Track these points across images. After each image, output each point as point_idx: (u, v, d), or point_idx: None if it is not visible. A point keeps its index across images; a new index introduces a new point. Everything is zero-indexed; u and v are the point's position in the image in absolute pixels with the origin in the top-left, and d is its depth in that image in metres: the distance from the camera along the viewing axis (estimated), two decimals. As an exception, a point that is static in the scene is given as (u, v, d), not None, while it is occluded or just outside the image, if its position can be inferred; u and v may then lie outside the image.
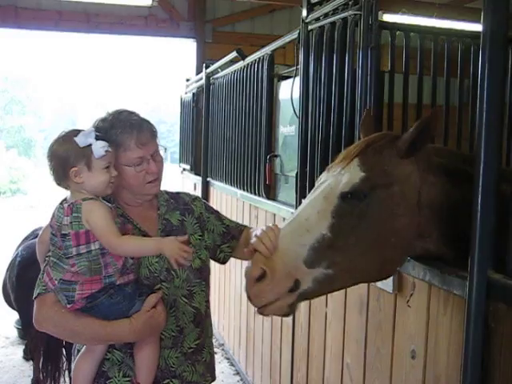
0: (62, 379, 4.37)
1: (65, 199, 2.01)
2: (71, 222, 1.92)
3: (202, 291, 2.25)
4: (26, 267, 4.46)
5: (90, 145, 1.92)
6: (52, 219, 2.00)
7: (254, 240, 1.82)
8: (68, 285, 1.94)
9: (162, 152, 2.19)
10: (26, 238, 5.23)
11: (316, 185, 1.96)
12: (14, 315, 5.49)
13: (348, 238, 1.77)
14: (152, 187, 2.13)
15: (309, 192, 3.14)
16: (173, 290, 2.14)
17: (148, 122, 2.17)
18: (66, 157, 1.93)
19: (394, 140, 1.87)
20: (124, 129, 2.06)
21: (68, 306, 1.95)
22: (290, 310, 1.83)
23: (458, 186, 1.82)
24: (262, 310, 1.83)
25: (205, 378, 2.26)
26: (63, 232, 1.93)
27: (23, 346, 5.64)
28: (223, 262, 2.43)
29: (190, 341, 2.19)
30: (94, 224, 1.91)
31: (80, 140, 1.92)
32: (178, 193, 2.40)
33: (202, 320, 2.24)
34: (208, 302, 2.31)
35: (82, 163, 1.93)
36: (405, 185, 1.80)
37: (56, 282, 1.95)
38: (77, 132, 1.96)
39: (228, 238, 2.36)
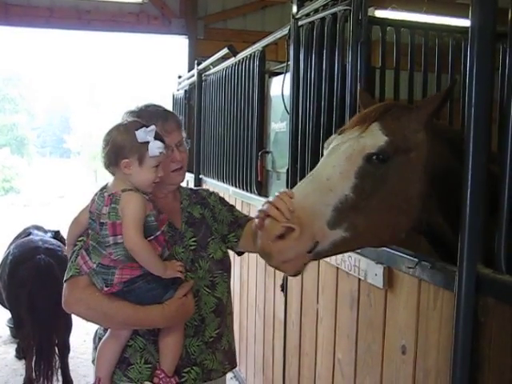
0: (54, 378, 4.36)
1: (105, 186, 2.05)
2: (109, 213, 1.95)
3: (225, 282, 2.30)
4: (17, 266, 4.45)
5: (148, 142, 1.96)
6: (92, 205, 2.04)
7: (265, 206, 1.73)
8: (107, 269, 1.98)
9: (185, 144, 2.27)
10: (18, 237, 5.22)
11: (327, 147, 1.93)
12: (6, 314, 5.46)
13: (369, 200, 1.76)
14: (176, 176, 2.22)
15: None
16: (196, 280, 2.19)
17: (173, 113, 2.29)
18: (121, 146, 1.97)
19: (405, 108, 1.91)
20: (150, 118, 2.12)
21: (105, 289, 1.99)
22: (302, 270, 1.80)
23: (459, 161, 1.78)
24: (281, 267, 1.77)
25: (223, 365, 2.31)
26: (101, 221, 1.97)
27: (15, 345, 5.63)
28: (232, 250, 2.44)
29: (211, 330, 2.24)
30: (125, 213, 1.95)
31: (140, 135, 1.95)
32: (197, 189, 2.51)
33: (222, 310, 2.29)
34: (229, 292, 2.37)
35: (135, 157, 1.97)
36: (419, 152, 1.83)
37: (94, 265, 1.99)
38: (138, 124, 1.99)
39: (234, 227, 2.39)
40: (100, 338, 2.21)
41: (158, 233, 2.01)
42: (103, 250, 1.98)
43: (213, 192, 2.49)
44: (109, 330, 2.16)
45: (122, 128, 2.00)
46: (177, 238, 2.22)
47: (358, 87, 2.30)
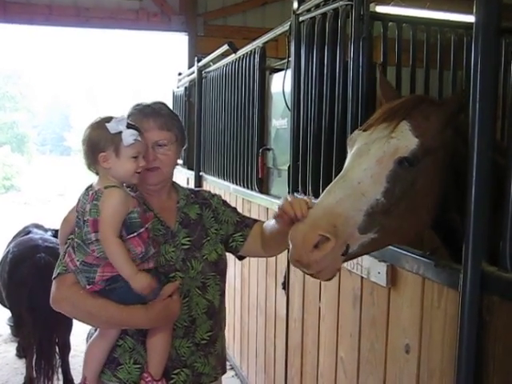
0: (55, 376, 4.35)
1: (91, 185, 2.05)
2: (90, 209, 1.96)
3: (217, 285, 2.26)
4: (17, 264, 4.44)
5: (121, 132, 1.96)
6: (78, 204, 2.05)
7: (283, 204, 1.78)
8: (89, 267, 1.98)
9: (172, 149, 2.18)
10: (18, 235, 5.20)
11: (352, 144, 1.91)
12: (7, 313, 5.45)
13: (399, 203, 1.76)
14: (149, 176, 2.15)
15: (301, 186, 3.15)
16: (187, 280, 2.16)
17: (161, 114, 2.19)
18: (96, 141, 1.98)
19: (433, 104, 1.89)
20: (134, 115, 2.16)
21: (87, 286, 1.98)
22: (335, 274, 1.80)
23: None
24: (317, 275, 1.76)
25: (216, 370, 2.28)
26: (84, 218, 1.98)
27: (16, 344, 5.61)
28: (236, 251, 2.40)
29: (203, 332, 2.21)
30: (102, 209, 1.95)
31: (111, 126, 1.97)
32: (198, 190, 2.48)
33: (215, 313, 2.25)
34: (223, 295, 2.32)
35: (111, 149, 1.97)
36: (446, 151, 1.83)
37: (78, 263, 1.99)
38: (110, 118, 2.00)
39: (241, 227, 2.37)
40: (91, 337, 2.20)
41: (142, 230, 1.99)
42: (87, 248, 1.98)
43: (215, 194, 2.46)
44: (98, 329, 2.15)
45: (94, 125, 2.02)
46: (168, 236, 2.18)
47: (378, 74, 2.25)
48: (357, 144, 1.88)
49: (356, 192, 1.74)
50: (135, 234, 1.98)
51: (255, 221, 2.43)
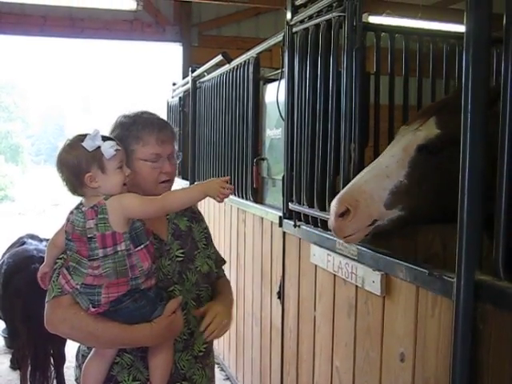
0: (49, 388, 4.32)
1: (80, 204, 1.97)
2: (97, 224, 1.87)
3: (209, 296, 2.26)
4: (11, 275, 4.41)
5: (99, 147, 1.88)
6: (67, 224, 1.95)
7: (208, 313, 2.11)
8: (92, 289, 1.90)
9: (175, 158, 2.20)
10: (12, 246, 5.17)
11: (395, 138, 2.23)
12: (1, 324, 5.41)
13: (420, 185, 2.04)
14: (164, 188, 2.12)
15: (295, 195, 3.16)
16: (184, 293, 2.15)
17: (168, 123, 2.21)
18: (77, 164, 1.88)
19: None
20: (146, 125, 2.09)
21: (92, 309, 1.92)
22: (366, 238, 2.17)
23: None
24: (345, 240, 2.18)
25: (211, 382, 2.29)
26: (89, 235, 1.88)
27: (10, 355, 5.57)
28: None
29: (200, 344, 2.20)
30: (130, 207, 1.89)
31: (88, 144, 1.87)
32: None
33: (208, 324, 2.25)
34: None
35: (95, 167, 1.88)
36: None
37: (78, 286, 1.92)
38: (81, 137, 1.91)
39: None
40: (84, 356, 2.13)
41: (148, 242, 1.96)
42: (84, 268, 1.91)
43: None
44: (93, 349, 2.09)
45: (67, 148, 1.92)
46: (163, 250, 2.14)
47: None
48: (396, 136, 2.22)
49: (382, 174, 2.08)
50: (142, 246, 1.93)
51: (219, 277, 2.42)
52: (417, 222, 2.21)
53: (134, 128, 2.08)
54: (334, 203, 2.11)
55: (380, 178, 2.07)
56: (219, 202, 1.97)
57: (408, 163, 2.05)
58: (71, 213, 1.96)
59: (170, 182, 2.16)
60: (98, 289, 1.90)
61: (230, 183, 4.49)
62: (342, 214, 2.07)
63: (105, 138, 1.91)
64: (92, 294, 1.91)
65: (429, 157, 2.03)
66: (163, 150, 2.09)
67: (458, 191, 1.82)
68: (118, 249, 1.89)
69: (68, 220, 1.96)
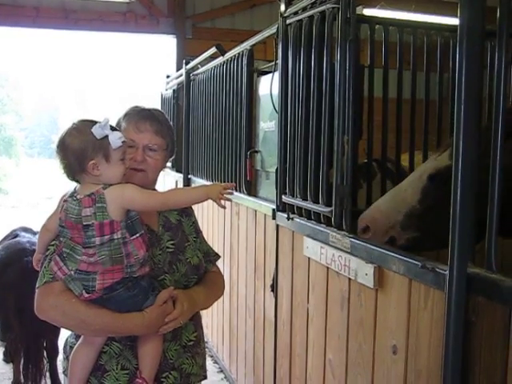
0: (43, 381, 4.31)
1: (74, 192, 1.96)
2: (95, 213, 1.88)
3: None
4: (4, 268, 4.39)
5: (107, 136, 1.88)
6: (60, 212, 1.95)
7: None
8: (86, 275, 1.91)
9: (161, 155, 2.19)
10: (5, 239, 5.15)
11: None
12: (-6, 317, 5.39)
13: (431, 212, 2.21)
14: (133, 175, 2.10)
15: (289, 188, 3.16)
16: (173, 283, 2.16)
17: (157, 119, 2.20)
18: (83, 149, 1.88)
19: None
20: (131, 115, 2.18)
21: (85, 295, 1.92)
22: None
23: None
24: None
25: (204, 369, 2.30)
26: (85, 223, 1.88)
27: (3, 349, 5.55)
28: None
29: (189, 333, 2.22)
30: (131, 199, 1.91)
31: (97, 131, 1.87)
32: None
33: (196, 314, 2.27)
34: None
35: (100, 155, 1.89)
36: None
37: (72, 271, 1.92)
38: (90, 123, 1.91)
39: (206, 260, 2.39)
40: (71, 347, 2.14)
41: (143, 231, 1.98)
42: (78, 255, 1.91)
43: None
44: (81, 337, 2.09)
45: (74, 132, 1.91)
46: (154, 240, 2.16)
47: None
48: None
49: (400, 197, 2.31)
50: (138, 234, 1.94)
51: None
52: (435, 245, 2.34)
53: (121, 119, 2.19)
54: (358, 220, 2.41)
55: (397, 201, 2.30)
56: (221, 206, 1.99)
57: (421, 190, 2.25)
58: (65, 201, 1.95)
59: (145, 173, 2.14)
60: (93, 275, 1.91)
61: (224, 176, 4.52)
62: (364, 230, 2.34)
63: (112, 128, 1.93)
64: (87, 280, 1.91)
65: (440, 185, 2.16)
66: (139, 138, 2.12)
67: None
68: (115, 237, 1.90)
69: (62, 207, 1.95)
